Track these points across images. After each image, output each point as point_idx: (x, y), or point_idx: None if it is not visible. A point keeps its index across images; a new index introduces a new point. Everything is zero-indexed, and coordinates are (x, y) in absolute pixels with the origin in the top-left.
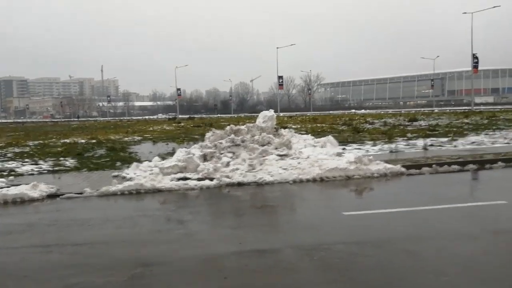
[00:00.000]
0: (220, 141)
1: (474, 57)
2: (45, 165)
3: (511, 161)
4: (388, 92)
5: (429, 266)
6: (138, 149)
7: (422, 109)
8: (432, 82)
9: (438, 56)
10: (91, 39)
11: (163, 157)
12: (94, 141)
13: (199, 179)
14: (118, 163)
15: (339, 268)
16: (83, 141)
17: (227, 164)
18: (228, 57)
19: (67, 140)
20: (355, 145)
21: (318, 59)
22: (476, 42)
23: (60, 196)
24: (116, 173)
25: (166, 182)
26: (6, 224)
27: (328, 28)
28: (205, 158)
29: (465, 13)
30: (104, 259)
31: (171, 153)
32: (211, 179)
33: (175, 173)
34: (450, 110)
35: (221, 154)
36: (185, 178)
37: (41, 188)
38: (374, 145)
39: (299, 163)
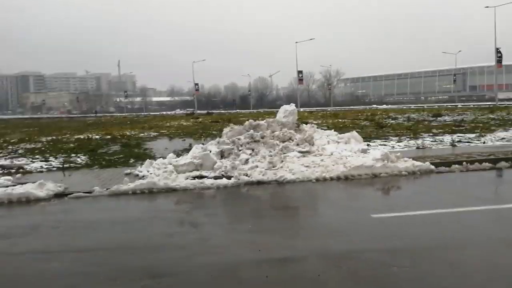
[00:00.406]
0: (238, 137)
1: (498, 51)
2: (55, 162)
3: None
4: (409, 87)
5: (474, 280)
6: (153, 145)
7: (445, 104)
8: (455, 77)
9: (460, 51)
10: (108, 34)
11: (178, 153)
12: (108, 137)
13: (215, 178)
14: (132, 160)
15: (371, 281)
16: (97, 137)
17: (246, 162)
18: (247, 52)
19: (81, 136)
20: (379, 141)
21: (338, 54)
22: (498, 36)
23: (68, 196)
24: (128, 171)
25: (181, 181)
26: (7, 226)
27: (348, 23)
28: (222, 155)
29: (487, 7)
30: (107, 268)
31: (188, 150)
32: (229, 178)
33: (190, 171)
34: (474, 105)
35: (240, 150)
36: (201, 177)
37: (48, 187)
38: (399, 141)
39: (322, 160)
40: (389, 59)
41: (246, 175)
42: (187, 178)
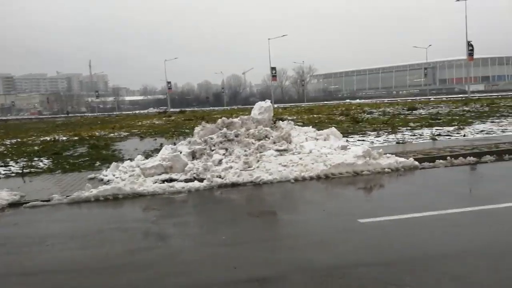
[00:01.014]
0: (210, 136)
1: (469, 44)
2: (15, 167)
3: None
4: (380, 81)
5: None
6: (123, 146)
7: (418, 98)
8: (425, 71)
9: (430, 45)
10: (79, 34)
11: (148, 154)
12: (76, 138)
13: (186, 180)
14: (98, 163)
15: None
16: (64, 138)
17: (219, 162)
18: (219, 49)
19: (48, 138)
20: (357, 136)
21: (311, 50)
22: (462, 32)
23: (24, 205)
24: (92, 175)
25: (149, 185)
26: None
27: (320, 19)
28: (193, 155)
29: (458, 0)
30: None
31: (158, 150)
32: (201, 180)
33: (159, 174)
34: (446, 98)
35: (212, 150)
36: (171, 180)
37: (2, 196)
38: (378, 135)
39: (300, 158)
40: (361, 54)
41: (220, 177)
42: (156, 182)
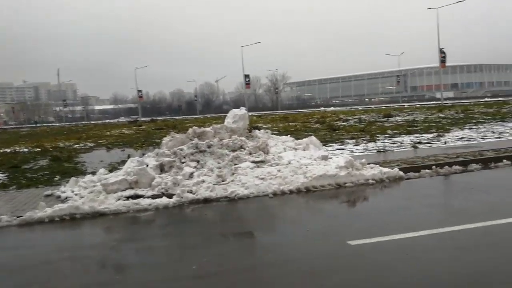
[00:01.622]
0: (180, 147)
1: (441, 51)
2: None
3: None
4: (353, 89)
5: None
6: (87, 157)
7: (391, 105)
8: (398, 79)
9: (402, 53)
10: (47, 43)
11: (114, 167)
12: (38, 149)
13: (154, 196)
14: (57, 177)
15: None
16: (25, 150)
17: (190, 176)
18: (192, 57)
19: (8, 150)
20: (336, 145)
21: (284, 58)
22: (432, 40)
23: None
24: (49, 192)
25: (111, 203)
26: None
27: (294, 28)
28: (162, 169)
29: (429, 8)
30: None
31: (126, 161)
32: (170, 196)
33: (123, 190)
34: (420, 105)
35: (183, 163)
36: (136, 196)
37: None
38: (357, 144)
39: (279, 170)
40: (335, 62)
41: (191, 192)
42: (119, 199)
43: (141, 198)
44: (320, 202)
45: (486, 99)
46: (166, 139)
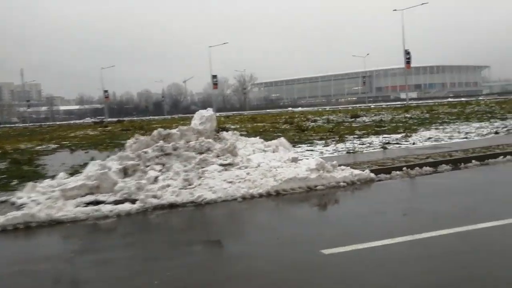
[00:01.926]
0: (145, 149)
1: (407, 52)
2: None
3: (484, 159)
4: (320, 90)
5: None
6: (49, 160)
7: (357, 105)
8: (364, 79)
9: (368, 54)
10: (9, 42)
11: (76, 170)
12: None
13: (116, 202)
14: (15, 182)
15: None
16: None
17: (155, 180)
18: (159, 58)
19: None
20: (305, 146)
21: (252, 59)
22: (396, 41)
23: None
24: (4, 198)
25: (69, 210)
26: None
27: (261, 29)
28: (125, 172)
29: (395, 10)
30: None
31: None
32: (133, 201)
33: (83, 196)
34: (386, 105)
35: (147, 166)
36: (97, 202)
37: None
38: (326, 145)
39: (248, 173)
40: (302, 63)
41: (155, 197)
42: (78, 206)
43: (102, 204)
44: (290, 206)
45: (449, 99)
46: (130, 142)
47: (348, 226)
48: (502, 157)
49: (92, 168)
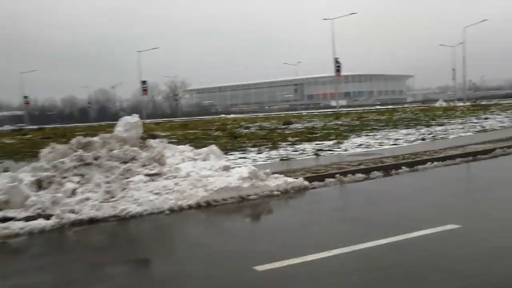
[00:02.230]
0: (62, 159)
1: (336, 61)
2: None
3: (413, 165)
4: (253, 97)
5: None
6: None
7: (290, 112)
8: (296, 87)
9: (299, 62)
10: None
11: None
12: None
13: (28, 218)
14: None
15: None
16: None
17: (73, 193)
18: (86, 63)
19: None
20: (237, 153)
21: (184, 65)
22: (327, 50)
23: None
24: None
25: None
26: None
27: (192, 34)
28: (39, 185)
29: (325, 19)
30: None
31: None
32: (48, 217)
33: None
34: (317, 112)
35: (64, 178)
36: (5, 219)
37: None
38: (259, 152)
39: (176, 184)
40: (235, 70)
41: (73, 212)
42: None
43: (12, 221)
44: (222, 218)
45: (378, 107)
46: (45, 151)
47: (283, 239)
48: (430, 163)
49: (1, 181)
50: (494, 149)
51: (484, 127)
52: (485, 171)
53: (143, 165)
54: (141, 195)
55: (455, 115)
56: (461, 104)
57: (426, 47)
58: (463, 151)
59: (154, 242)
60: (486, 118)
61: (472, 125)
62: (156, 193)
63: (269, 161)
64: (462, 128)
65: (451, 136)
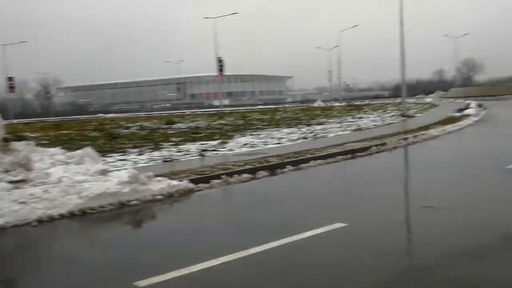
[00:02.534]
0: None
1: (219, 60)
2: None
3: (298, 164)
4: (133, 95)
5: None
6: None
7: (173, 111)
8: (179, 86)
9: (181, 61)
10: None
11: None
12: None
13: None
14: None
15: None
16: None
17: None
18: None
19: None
20: (117, 155)
21: (57, 61)
22: (210, 49)
23: None
24: None
25: None
26: None
27: (64, 29)
28: None
29: (207, 18)
30: None
31: None
32: None
33: None
34: (201, 112)
35: None
36: None
37: None
38: (141, 153)
39: (46, 191)
40: (114, 68)
41: None
42: None
43: None
44: (99, 227)
45: (260, 106)
46: None
47: (167, 248)
48: (313, 161)
49: None
50: (370, 147)
51: (360, 125)
52: (363, 168)
53: (6, 171)
54: (3, 206)
55: (332, 115)
56: (337, 104)
57: (306, 49)
58: (343, 149)
59: (17, 259)
60: (361, 118)
61: (349, 124)
62: (22, 202)
63: (151, 163)
64: (340, 127)
65: (331, 135)
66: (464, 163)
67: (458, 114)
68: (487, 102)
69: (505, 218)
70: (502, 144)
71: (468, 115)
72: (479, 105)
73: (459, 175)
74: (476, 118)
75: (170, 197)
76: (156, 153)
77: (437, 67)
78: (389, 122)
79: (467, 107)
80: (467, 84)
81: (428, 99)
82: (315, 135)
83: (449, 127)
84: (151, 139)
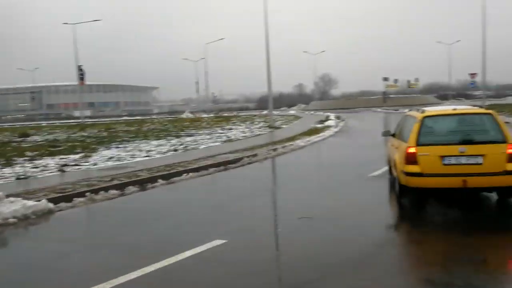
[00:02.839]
0: None
1: (79, 69)
2: None
3: (170, 177)
4: None
5: None
6: None
7: (27, 123)
8: (33, 95)
9: (37, 68)
10: None
11: None
12: None
13: None
14: None
15: None
16: None
17: None
18: None
19: None
20: None
21: None
22: (69, 56)
23: None
24: None
25: None
26: None
27: None
28: None
29: (65, 23)
30: None
31: None
32: None
33: None
34: (60, 123)
35: None
36: None
37: None
38: None
39: None
40: None
41: None
42: None
43: None
44: None
45: (125, 117)
46: None
47: (14, 281)
48: (185, 174)
49: None
50: (242, 158)
51: (230, 137)
52: (237, 180)
53: None
54: None
55: (201, 126)
56: (205, 115)
57: (172, 60)
58: (215, 161)
59: None
60: (230, 129)
61: (219, 135)
62: None
63: (1, 182)
64: (210, 138)
65: (202, 146)
66: (331, 172)
67: (320, 125)
68: (344, 114)
69: (375, 224)
70: (362, 153)
71: (329, 126)
72: (338, 117)
73: (329, 183)
74: (336, 129)
75: (25, 220)
76: (7, 170)
77: (297, 81)
78: (258, 133)
79: (327, 119)
80: (324, 98)
81: (292, 111)
82: (185, 147)
83: (313, 138)
84: (1, 154)
